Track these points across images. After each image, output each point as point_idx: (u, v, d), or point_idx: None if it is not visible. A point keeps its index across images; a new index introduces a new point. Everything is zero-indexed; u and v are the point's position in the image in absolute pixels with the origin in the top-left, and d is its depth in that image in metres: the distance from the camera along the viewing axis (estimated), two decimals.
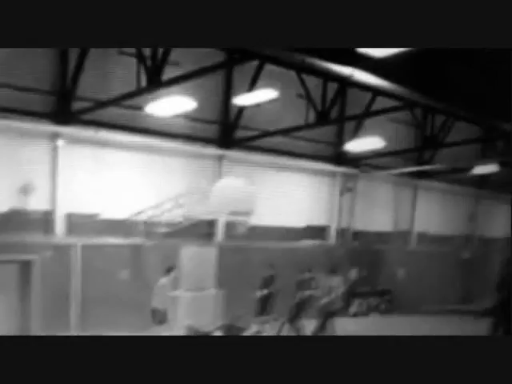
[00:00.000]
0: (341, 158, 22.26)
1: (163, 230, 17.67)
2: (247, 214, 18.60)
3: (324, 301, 17.16)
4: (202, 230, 19.06)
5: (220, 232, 19.63)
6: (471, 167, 25.25)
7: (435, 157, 24.74)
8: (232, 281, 18.93)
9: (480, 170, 25.66)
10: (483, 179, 28.61)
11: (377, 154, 22.10)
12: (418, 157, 25.04)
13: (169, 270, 15.54)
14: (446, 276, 27.58)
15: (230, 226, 19.34)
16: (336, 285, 17.67)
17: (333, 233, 23.08)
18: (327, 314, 17.25)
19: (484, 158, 26.52)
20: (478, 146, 27.21)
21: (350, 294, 23.43)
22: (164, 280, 15.33)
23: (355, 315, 23.26)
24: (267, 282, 18.30)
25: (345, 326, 19.69)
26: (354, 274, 23.75)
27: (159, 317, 14.99)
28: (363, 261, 23.96)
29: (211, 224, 19.37)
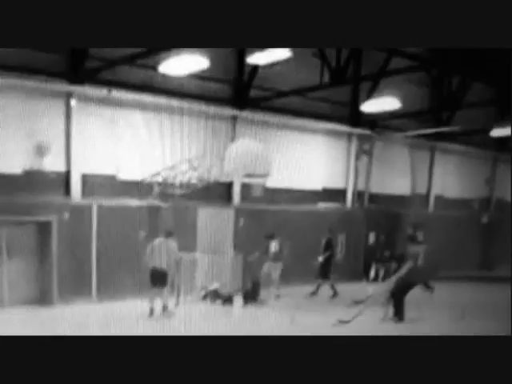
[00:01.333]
0: (356, 119, 22.27)
1: (178, 191, 17.81)
2: (263, 176, 18.73)
3: None
4: (217, 193, 19.18)
5: (236, 195, 19.74)
6: (489, 129, 25.21)
7: (452, 118, 24.71)
8: (248, 244, 19.12)
9: (498, 132, 25.61)
10: (501, 142, 28.57)
11: (393, 115, 22.07)
12: (435, 118, 25.00)
13: (169, 234, 15.42)
14: (464, 241, 27.63)
15: (246, 188, 19.52)
16: None
17: (349, 196, 23.16)
18: None
19: (502, 121, 26.49)
20: (495, 108, 27.19)
21: (369, 259, 23.63)
22: (161, 239, 15.24)
23: (375, 279, 23.37)
24: (327, 245, 18.46)
25: (364, 290, 19.92)
26: (371, 238, 23.88)
27: (159, 278, 14.89)
28: (381, 225, 24.05)
29: (227, 186, 19.48)
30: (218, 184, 18.49)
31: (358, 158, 23.00)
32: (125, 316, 14.49)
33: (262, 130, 19.69)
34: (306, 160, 21.34)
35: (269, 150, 19.35)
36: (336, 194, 22.77)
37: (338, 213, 22.38)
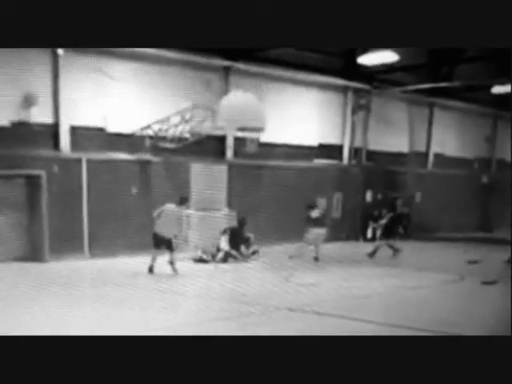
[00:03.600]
0: (353, 72, 22.28)
1: (170, 145, 17.90)
2: (257, 130, 18.80)
3: None
4: (210, 147, 19.27)
5: (229, 149, 19.84)
6: (490, 86, 25.23)
7: (452, 73, 24.70)
8: (243, 200, 19.27)
9: (499, 89, 25.65)
10: (502, 99, 28.60)
11: (390, 69, 22.10)
12: (434, 73, 24.99)
13: (182, 202, 15.13)
14: (463, 201, 27.81)
15: (239, 143, 19.60)
16: None
17: (346, 153, 23.29)
18: None
19: (503, 77, 26.50)
20: (497, 63, 27.15)
21: (367, 217, 23.78)
22: (173, 207, 14.88)
23: (372, 239, 23.53)
24: (392, 206, 18.50)
25: (362, 250, 20.13)
26: (369, 196, 24.05)
27: (164, 244, 14.72)
28: (379, 182, 24.20)
29: (220, 141, 19.56)
30: (210, 138, 18.59)
31: (354, 113, 23.08)
32: (121, 273, 14.64)
33: (256, 82, 19.72)
34: (301, 114, 21.42)
35: (263, 103, 19.47)
36: (332, 151, 22.87)
37: (334, 170, 22.49)
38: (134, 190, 17.59)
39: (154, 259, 14.68)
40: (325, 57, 21.26)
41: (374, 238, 23.57)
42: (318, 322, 9.51)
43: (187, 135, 17.89)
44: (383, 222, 18.72)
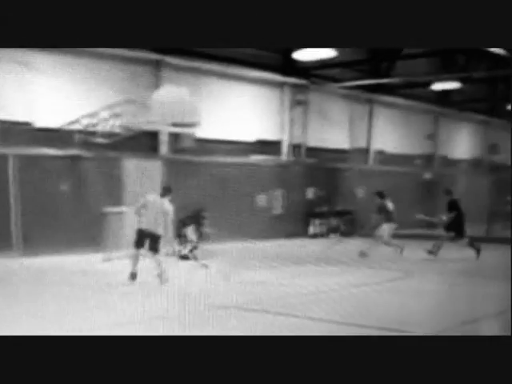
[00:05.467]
0: (289, 68, 22.43)
1: (101, 140, 17.77)
2: (192, 125, 18.78)
3: None
4: (143, 143, 19.19)
5: (163, 145, 19.78)
6: (430, 82, 25.65)
7: (391, 70, 25.06)
8: (179, 197, 19.17)
9: (440, 86, 26.11)
10: (443, 96, 29.14)
11: (328, 65, 22.30)
12: (373, 69, 25.34)
13: (165, 192, 13.33)
14: (407, 198, 28.14)
15: (174, 139, 19.57)
16: None
17: (285, 148, 23.41)
18: None
19: (444, 74, 27.02)
20: (437, 59, 27.65)
21: (309, 214, 23.94)
22: (155, 197, 13.16)
23: (315, 236, 23.71)
24: (452, 206, 18.00)
25: (305, 246, 20.22)
26: (310, 193, 24.20)
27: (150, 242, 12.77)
28: (320, 179, 24.36)
29: (153, 136, 19.50)
30: (143, 133, 18.51)
31: (292, 108, 23.23)
32: (56, 271, 14.43)
33: (191, 77, 19.74)
34: (237, 110, 21.49)
35: (198, 98, 19.46)
36: (271, 147, 22.97)
37: (273, 166, 22.57)
38: (64, 187, 17.40)
39: (135, 263, 12.70)
40: (261, 52, 21.39)
41: (316, 235, 23.79)
42: (262, 321, 9.43)
43: (119, 130, 17.79)
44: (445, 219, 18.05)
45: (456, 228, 17.42)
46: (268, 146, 22.83)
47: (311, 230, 23.92)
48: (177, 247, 16.76)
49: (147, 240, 12.65)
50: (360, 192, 26.02)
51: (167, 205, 12.86)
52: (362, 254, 17.36)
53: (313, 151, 24.27)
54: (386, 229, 17.68)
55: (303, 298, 11.37)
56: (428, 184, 29.83)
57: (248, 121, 21.96)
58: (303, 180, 23.50)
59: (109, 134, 17.70)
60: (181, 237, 16.98)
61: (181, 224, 17.10)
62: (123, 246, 17.27)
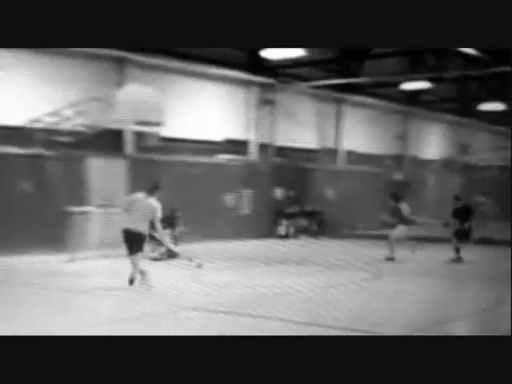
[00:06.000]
0: (257, 66, 22.45)
1: (64, 139, 17.64)
2: (157, 124, 18.73)
3: None
4: (108, 141, 19.07)
5: (128, 143, 19.67)
6: (400, 82, 25.78)
7: (360, 69, 25.15)
8: None
9: (409, 85, 26.25)
10: (413, 96, 29.35)
11: (297, 64, 22.39)
12: (342, 68, 25.43)
13: (153, 190, 12.41)
14: (377, 198, 28.23)
15: (139, 137, 19.49)
16: None
17: (253, 148, 23.41)
18: None
19: (414, 73, 27.18)
20: (407, 59, 27.80)
21: (278, 215, 23.92)
22: (142, 196, 12.36)
23: (284, 236, 23.68)
24: (468, 211, 17.83)
25: (273, 247, 20.15)
26: (279, 193, 24.21)
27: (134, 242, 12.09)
28: (288, 179, 24.39)
29: (118, 134, 19.39)
30: (108, 132, 18.42)
31: (260, 107, 23.25)
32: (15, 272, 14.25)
33: (155, 74, 19.69)
34: (204, 109, 21.46)
35: (163, 96, 19.41)
36: (238, 146, 22.97)
37: (241, 166, 22.54)
38: (26, 186, 17.22)
39: (136, 266, 12.08)
40: (228, 50, 21.40)
41: (285, 236, 23.77)
42: (227, 321, 9.38)
43: (82, 128, 17.69)
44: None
45: (463, 233, 17.58)
46: (235, 146, 22.83)
47: (280, 230, 23.88)
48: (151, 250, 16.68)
49: (130, 240, 11.96)
50: (329, 192, 26.10)
51: (155, 203, 12.18)
52: (389, 259, 17.49)
53: (281, 151, 24.31)
54: (399, 231, 17.76)
55: (270, 298, 11.32)
56: (398, 184, 29.95)
57: (215, 120, 21.94)
58: (271, 180, 23.48)
59: (72, 133, 17.60)
60: (154, 239, 16.81)
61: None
62: (88, 247, 17.22)
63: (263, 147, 23.68)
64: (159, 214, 12.14)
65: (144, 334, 7.67)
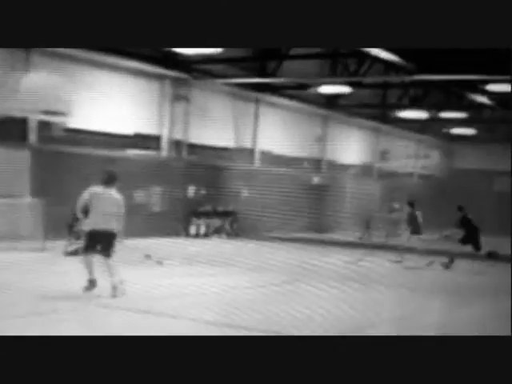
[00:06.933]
0: (170, 61, 22.43)
1: None
2: (63, 114, 18.63)
3: None
4: (11, 130, 18.80)
5: (32, 133, 19.40)
6: (319, 85, 26.11)
7: (278, 70, 25.38)
8: (49, 189, 18.85)
9: (328, 89, 26.63)
10: (332, 99, 29.76)
11: (212, 60, 22.44)
12: (260, 67, 25.66)
13: (110, 181, 11.43)
14: (294, 200, 28.53)
15: (44, 127, 19.29)
16: None
17: (165, 144, 23.40)
18: None
19: (333, 77, 27.58)
20: (327, 62, 28.18)
21: (190, 213, 23.95)
22: (101, 189, 11.29)
23: (196, 236, 23.72)
24: (463, 223, 18.06)
25: (185, 248, 20.14)
26: (191, 191, 24.26)
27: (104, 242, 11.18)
28: (201, 177, 24.45)
29: (22, 123, 19.12)
30: (11, 120, 18.19)
31: (173, 103, 23.27)
32: None
33: (63, 64, 19.48)
34: (115, 101, 21.33)
35: (71, 86, 19.30)
36: (150, 141, 22.92)
37: (152, 161, 22.49)
38: None
39: (91, 269, 11.09)
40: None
41: (198, 235, 23.83)
42: (133, 321, 9.34)
43: None
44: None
45: (472, 242, 17.89)
46: (147, 141, 22.76)
47: (193, 229, 23.93)
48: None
49: (100, 241, 11.01)
50: (244, 192, 26.26)
51: (118, 195, 11.21)
52: (430, 263, 17.86)
53: (195, 148, 24.34)
54: (410, 239, 18.30)
55: (180, 298, 11.33)
56: (317, 188, 30.34)
57: (126, 113, 21.79)
58: (184, 177, 23.49)
59: None
60: (74, 233, 16.58)
61: (73, 219, 16.64)
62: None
63: (176, 143, 23.66)
64: (123, 207, 11.26)
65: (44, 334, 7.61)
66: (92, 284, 11.00)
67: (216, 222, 25.02)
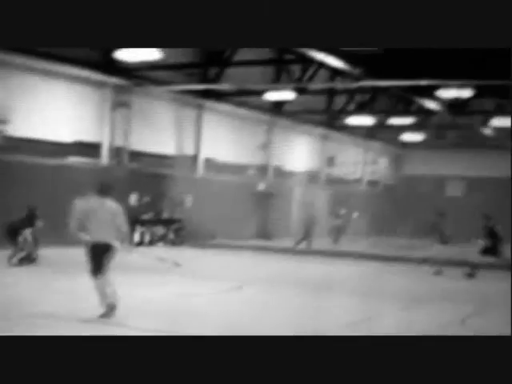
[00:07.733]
0: (110, 67, 22.43)
1: None
2: (1, 121, 18.59)
3: None
4: None
5: None
6: (264, 91, 26.34)
7: (221, 76, 25.55)
8: None
9: (273, 95, 26.87)
10: (277, 106, 29.99)
11: (153, 66, 22.52)
12: (203, 74, 25.82)
13: (105, 191, 10.87)
14: (239, 208, 28.77)
15: None
16: None
17: (105, 151, 23.38)
18: None
19: (278, 83, 27.86)
20: (272, 68, 28.46)
21: (132, 221, 23.94)
22: (96, 199, 10.73)
23: (139, 244, 23.70)
24: (491, 233, 18.09)
25: (123, 257, 20.08)
26: (133, 199, 24.28)
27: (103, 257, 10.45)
28: (144, 185, 24.50)
29: None
30: None
31: (114, 110, 23.27)
32: None
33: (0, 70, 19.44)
34: (53, 108, 21.25)
35: (7, 93, 19.25)
36: (90, 149, 22.87)
37: (92, 169, 22.43)
38: None
39: (104, 291, 10.25)
40: (79, 48, 21.28)
41: (141, 243, 23.84)
42: (80, 330, 9.08)
43: None
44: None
45: (493, 252, 18.19)
46: (87, 148, 22.70)
47: (136, 237, 23.94)
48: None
49: (99, 255, 10.26)
50: (188, 200, 26.39)
51: (115, 205, 10.67)
52: (438, 272, 18.16)
53: (136, 155, 24.33)
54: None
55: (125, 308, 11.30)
56: (262, 195, 30.60)
57: (65, 120, 21.73)
58: (125, 185, 23.37)
59: None
60: (18, 244, 16.51)
61: (11, 229, 16.60)
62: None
63: (117, 151, 23.65)
64: (124, 218, 10.77)
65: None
66: (111, 308, 10.14)
67: (160, 230, 25.11)
